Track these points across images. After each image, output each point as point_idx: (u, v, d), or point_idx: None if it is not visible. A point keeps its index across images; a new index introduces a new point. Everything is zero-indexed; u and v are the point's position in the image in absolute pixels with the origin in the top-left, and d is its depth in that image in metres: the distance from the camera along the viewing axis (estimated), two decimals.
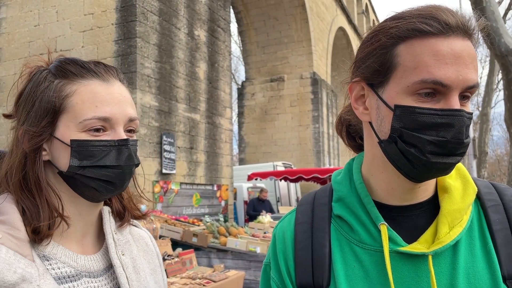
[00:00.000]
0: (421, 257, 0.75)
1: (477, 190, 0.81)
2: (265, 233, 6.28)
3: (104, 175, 0.80)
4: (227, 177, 10.27)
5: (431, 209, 0.80)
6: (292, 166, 14.82)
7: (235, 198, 11.37)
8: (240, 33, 18.65)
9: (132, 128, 0.85)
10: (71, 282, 0.80)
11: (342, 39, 23.20)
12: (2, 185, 0.82)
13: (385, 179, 0.81)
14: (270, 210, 10.46)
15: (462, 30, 0.71)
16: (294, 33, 17.62)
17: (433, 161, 0.71)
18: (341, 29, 22.45)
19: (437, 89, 0.71)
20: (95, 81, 0.82)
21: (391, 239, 0.77)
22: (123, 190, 0.86)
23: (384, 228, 0.77)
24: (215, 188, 9.75)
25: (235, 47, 30.02)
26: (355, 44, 24.93)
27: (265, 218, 7.14)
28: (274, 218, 7.75)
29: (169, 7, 8.36)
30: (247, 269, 5.40)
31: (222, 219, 7.23)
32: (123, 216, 0.95)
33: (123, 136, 0.81)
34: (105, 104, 0.80)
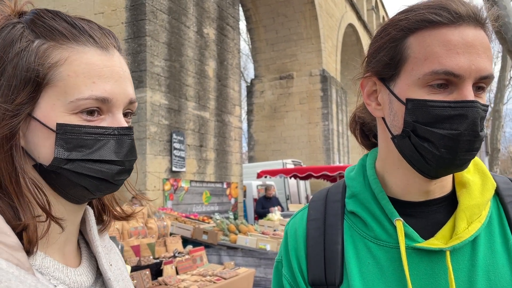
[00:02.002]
0: (438, 253, 0.74)
1: (496, 186, 0.79)
2: (275, 230, 6.28)
3: (99, 171, 0.62)
4: (237, 175, 10.29)
5: (448, 204, 0.78)
6: (302, 164, 14.79)
7: (244, 196, 11.39)
8: (249, 30, 18.64)
9: (130, 110, 0.68)
10: None
11: (351, 36, 23.06)
12: None
13: (400, 175, 0.79)
14: (278, 205, 10.47)
15: (473, 19, 0.69)
16: (303, 30, 17.56)
17: (447, 157, 0.69)
18: (350, 25, 22.31)
19: (449, 80, 0.69)
20: (91, 48, 0.63)
21: (407, 235, 0.75)
22: (118, 189, 0.68)
23: (399, 223, 0.76)
24: (225, 186, 9.77)
25: (244, 45, 30.04)
26: (365, 41, 24.77)
27: (275, 215, 7.14)
28: (284, 216, 7.75)
29: (178, 5, 8.38)
30: (257, 267, 5.41)
31: (232, 216, 7.25)
32: (102, 217, 0.76)
33: (124, 123, 0.65)
34: (104, 80, 0.62)
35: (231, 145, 10.10)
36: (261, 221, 6.96)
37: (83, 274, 0.68)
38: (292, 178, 12.45)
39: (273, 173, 11.28)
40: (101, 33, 0.65)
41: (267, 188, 11.03)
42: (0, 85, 0.60)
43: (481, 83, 0.70)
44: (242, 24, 20.13)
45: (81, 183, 0.62)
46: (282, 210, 10.15)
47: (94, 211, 0.75)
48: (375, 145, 0.91)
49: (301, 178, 12.00)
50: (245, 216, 11.07)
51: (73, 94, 0.60)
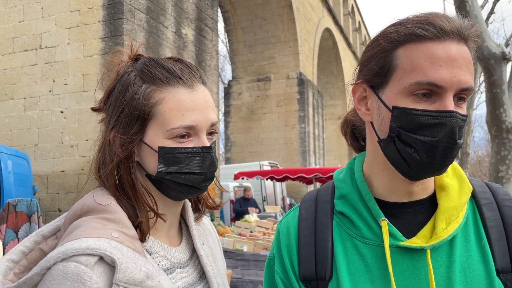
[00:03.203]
0: (419, 251, 0.79)
1: (472, 189, 0.85)
2: (251, 232, 6.31)
3: (189, 180, 0.83)
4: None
5: (429, 206, 0.84)
6: (278, 166, 14.88)
7: (221, 197, 11.35)
8: (227, 32, 18.64)
9: (213, 130, 0.87)
10: (169, 274, 0.84)
11: (328, 40, 23.37)
12: (98, 182, 0.86)
13: (385, 177, 0.85)
14: (256, 207, 10.50)
15: (457, 35, 0.75)
16: (281, 33, 17.69)
17: (426, 161, 0.75)
18: (327, 30, 22.61)
19: (433, 90, 0.74)
20: (181, 88, 0.83)
21: (391, 234, 0.81)
22: (204, 192, 0.90)
23: (384, 223, 0.81)
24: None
25: (222, 46, 30.01)
26: (341, 45, 25.14)
27: (252, 217, 7.17)
28: (261, 217, 7.78)
29: (156, 5, 8.32)
30: (234, 268, 5.42)
31: (208, 217, 7.22)
32: (198, 208, 1.00)
33: (207, 143, 0.84)
34: (190, 112, 0.82)
35: None
36: (238, 223, 6.98)
37: (181, 252, 0.91)
38: (269, 180, 12.50)
39: (250, 174, 11.30)
40: (189, 73, 0.85)
41: (245, 189, 11.05)
42: (120, 120, 0.83)
43: (462, 94, 0.76)
44: (220, 25, 20.11)
45: (177, 189, 0.84)
46: (259, 211, 10.19)
47: (192, 203, 0.99)
48: (363, 148, 0.96)
49: (278, 180, 12.06)
50: (221, 218, 11.05)
51: (169, 125, 0.81)
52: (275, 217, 8.61)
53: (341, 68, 25.22)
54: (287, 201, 15.12)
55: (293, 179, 11.51)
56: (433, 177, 0.85)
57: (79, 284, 0.68)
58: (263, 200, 13.74)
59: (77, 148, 7.51)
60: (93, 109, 0.91)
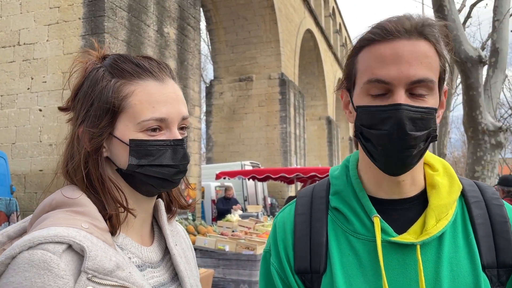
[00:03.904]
0: (410, 247, 0.83)
1: (462, 187, 0.89)
2: (233, 231, 6.31)
3: (160, 173, 0.82)
4: (195, 176, 10.23)
5: (420, 203, 0.88)
6: (260, 166, 14.91)
7: (202, 197, 11.34)
8: (209, 31, 18.59)
9: (184, 125, 0.88)
10: (140, 272, 0.83)
11: (309, 41, 23.55)
12: (65, 179, 0.84)
13: (372, 174, 0.89)
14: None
15: (404, 32, 0.79)
16: (263, 34, 17.74)
17: (384, 154, 0.80)
18: (308, 31, 22.77)
19: (386, 88, 0.80)
20: (151, 81, 0.83)
21: (383, 230, 0.84)
22: (177, 186, 0.89)
23: (377, 220, 0.85)
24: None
25: (203, 45, 29.87)
26: (322, 46, 25.35)
27: (234, 217, 7.17)
28: (243, 217, 7.80)
29: (138, 3, 8.25)
30: (216, 267, 5.42)
31: (190, 217, 7.21)
32: (171, 208, 0.98)
33: (178, 136, 0.84)
34: (161, 104, 0.82)
35: (190, 146, 10.03)
36: (219, 222, 6.97)
37: (153, 251, 0.89)
38: (250, 180, 12.53)
39: (231, 174, 11.31)
40: (159, 68, 0.86)
41: (226, 188, 11.05)
42: (89, 115, 0.82)
43: (418, 88, 0.79)
44: (202, 25, 20.03)
45: (148, 182, 0.83)
46: (242, 210, 10.21)
47: (164, 203, 0.96)
48: None
49: (260, 180, 12.10)
50: (203, 217, 11.02)
51: (139, 117, 0.81)
52: (257, 216, 8.63)
53: (322, 69, 25.43)
54: (268, 201, 15.17)
55: (275, 179, 11.57)
56: (422, 176, 0.89)
57: (45, 271, 0.66)
58: (245, 200, 13.75)
59: (56, 147, 7.38)
60: (60, 109, 0.89)
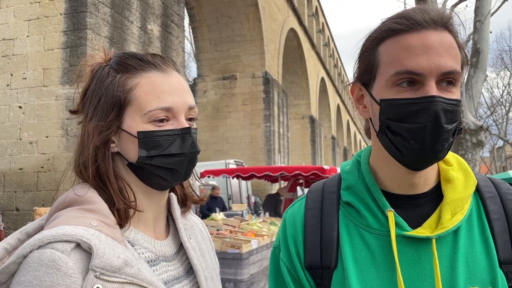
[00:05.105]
0: (425, 241, 0.81)
1: (476, 182, 0.88)
2: (218, 230, 6.29)
3: (170, 163, 0.83)
4: None
5: (433, 198, 0.87)
6: (244, 164, 14.90)
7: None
8: (193, 29, 18.47)
9: (192, 116, 0.88)
10: (154, 266, 0.84)
11: (293, 40, 23.63)
12: (77, 177, 0.86)
13: (389, 170, 0.87)
14: (223, 207, 10.47)
15: (433, 23, 0.78)
16: (247, 32, 17.72)
17: (417, 147, 0.78)
18: (292, 30, 22.85)
19: (414, 79, 0.77)
20: (155, 72, 0.84)
21: (397, 224, 0.83)
22: (188, 177, 0.89)
23: (391, 214, 0.83)
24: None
25: (186, 43, 29.70)
26: (306, 45, 25.47)
27: (218, 215, 7.15)
28: (227, 215, 7.79)
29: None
30: None
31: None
32: (185, 203, 1.00)
33: (186, 124, 0.84)
34: (166, 94, 0.83)
35: None
36: (204, 221, 6.94)
37: (167, 245, 0.90)
38: (235, 178, 12.51)
39: (216, 173, 11.26)
40: (162, 61, 0.87)
41: (214, 187, 10.98)
42: (97, 111, 0.84)
43: (448, 78, 0.78)
44: (185, 22, 19.87)
45: (158, 174, 0.84)
46: (226, 210, 10.17)
47: (178, 198, 0.99)
48: None
49: (244, 178, 12.09)
50: None
51: (145, 108, 0.82)
52: (242, 215, 8.62)
53: (305, 68, 25.55)
54: (252, 199, 15.17)
55: (259, 178, 11.57)
56: (435, 171, 0.89)
57: (54, 270, 0.67)
58: (229, 199, 13.72)
59: (37, 145, 7.23)
60: (71, 112, 0.91)
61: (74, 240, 0.70)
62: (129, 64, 0.85)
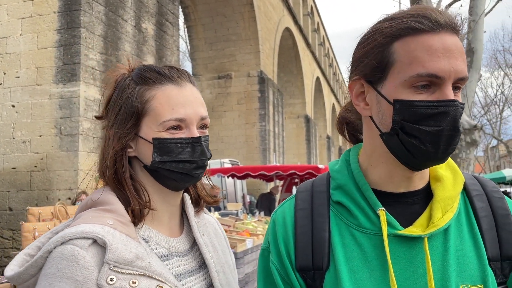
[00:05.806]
0: (417, 240, 0.81)
1: (464, 180, 0.88)
2: None
3: (181, 168, 0.92)
4: None
5: (423, 197, 0.87)
6: (239, 164, 14.89)
7: None
8: (188, 28, 18.41)
9: (204, 124, 0.97)
10: (166, 260, 0.93)
11: (288, 39, 23.62)
12: (101, 179, 0.97)
13: (385, 169, 0.86)
14: (217, 207, 10.45)
15: (450, 26, 0.78)
16: (242, 31, 17.69)
17: (431, 151, 0.77)
18: (287, 29, 22.84)
19: (432, 81, 0.76)
20: (170, 85, 0.94)
21: (389, 223, 0.82)
22: (198, 180, 0.99)
23: (382, 213, 0.82)
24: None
25: (181, 42, 29.61)
26: (301, 44, 25.48)
27: (213, 215, 7.13)
28: (222, 215, 7.77)
29: None
30: None
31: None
32: (198, 203, 1.09)
33: (196, 134, 0.93)
34: (180, 106, 0.92)
35: None
36: None
37: (181, 242, 0.99)
38: (230, 178, 12.50)
39: (211, 172, 11.25)
40: (178, 74, 0.96)
41: (212, 187, 10.93)
42: (118, 119, 0.94)
43: (458, 84, 0.79)
44: (180, 21, 19.79)
45: (171, 177, 0.93)
46: (220, 209, 10.15)
47: (192, 199, 1.08)
48: (360, 141, 0.98)
49: (239, 178, 12.08)
50: None
51: (161, 118, 0.91)
52: (237, 214, 8.61)
53: (301, 67, 25.57)
54: (247, 198, 15.16)
55: (254, 177, 11.57)
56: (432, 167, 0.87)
57: (73, 263, 0.77)
58: (224, 198, 13.70)
59: (30, 144, 7.17)
60: (97, 118, 1.02)
61: (91, 237, 0.80)
62: (147, 77, 0.94)
